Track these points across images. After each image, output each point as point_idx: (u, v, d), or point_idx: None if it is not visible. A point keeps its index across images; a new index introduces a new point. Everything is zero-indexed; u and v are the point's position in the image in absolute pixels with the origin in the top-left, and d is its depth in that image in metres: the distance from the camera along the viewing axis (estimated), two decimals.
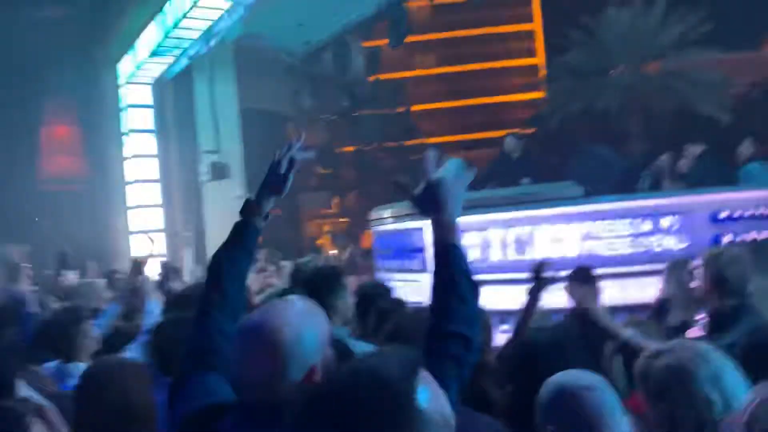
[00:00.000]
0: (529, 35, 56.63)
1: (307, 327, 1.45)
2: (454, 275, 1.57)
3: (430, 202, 1.62)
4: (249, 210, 1.87)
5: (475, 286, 1.59)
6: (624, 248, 6.19)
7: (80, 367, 2.75)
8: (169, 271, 4.44)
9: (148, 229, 11.94)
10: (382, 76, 29.56)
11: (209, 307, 1.71)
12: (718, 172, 6.94)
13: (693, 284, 3.09)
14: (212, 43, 10.17)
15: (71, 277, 6.95)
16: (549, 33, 47.60)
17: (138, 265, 3.90)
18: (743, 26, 28.93)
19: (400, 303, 3.36)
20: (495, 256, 6.24)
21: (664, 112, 21.72)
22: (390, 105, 33.23)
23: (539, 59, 53.34)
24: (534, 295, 2.88)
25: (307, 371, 1.40)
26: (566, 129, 22.97)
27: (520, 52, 56.05)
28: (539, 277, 2.86)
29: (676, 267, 4.34)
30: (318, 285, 2.90)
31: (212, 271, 1.80)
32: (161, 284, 4.03)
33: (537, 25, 56.43)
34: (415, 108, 39.40)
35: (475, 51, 55.14)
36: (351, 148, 34.53)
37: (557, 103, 24.60)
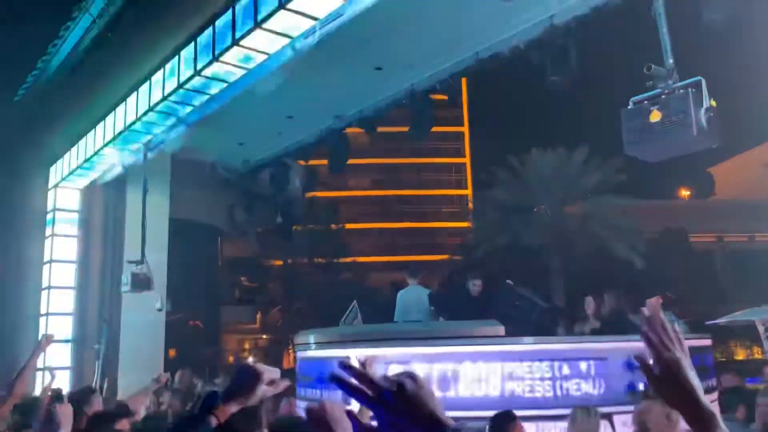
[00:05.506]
0: (460, 168, 59.44)
1: None
2: None
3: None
4: (212, 408, 1.69)
5: None
6: (544, 391, 6.28)
7: None
8: (87, 395, 4.16)
9: (57, 339, 11.25)
10: (318, 194, 30.09)
11: None
12: (619, 320, 7.24)
13: None
14: (150, 155, 10.18)
15: None
16: (477, 169, 50.13)
17: (58, 393, 3.68)
18: (655, 177, 31.33)
19: None
20: None
21: (583, 252, 22.78)
22: (323, 222, 33.61)
23: (469, 191, 55.77)
24: None
25: None
26: (491, 261, 23.66)
27: (451, 183, 58.55)
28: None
29: (579, 415, 4.45)
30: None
31: None
32: (79, 408, 3.76)
33: (467, 160, 59.46)
34: (348, 227, 39.93)
35: (409, 178, 57.23)
36: (280, 262, 34.29)
37: (483, 235, 25.50)
